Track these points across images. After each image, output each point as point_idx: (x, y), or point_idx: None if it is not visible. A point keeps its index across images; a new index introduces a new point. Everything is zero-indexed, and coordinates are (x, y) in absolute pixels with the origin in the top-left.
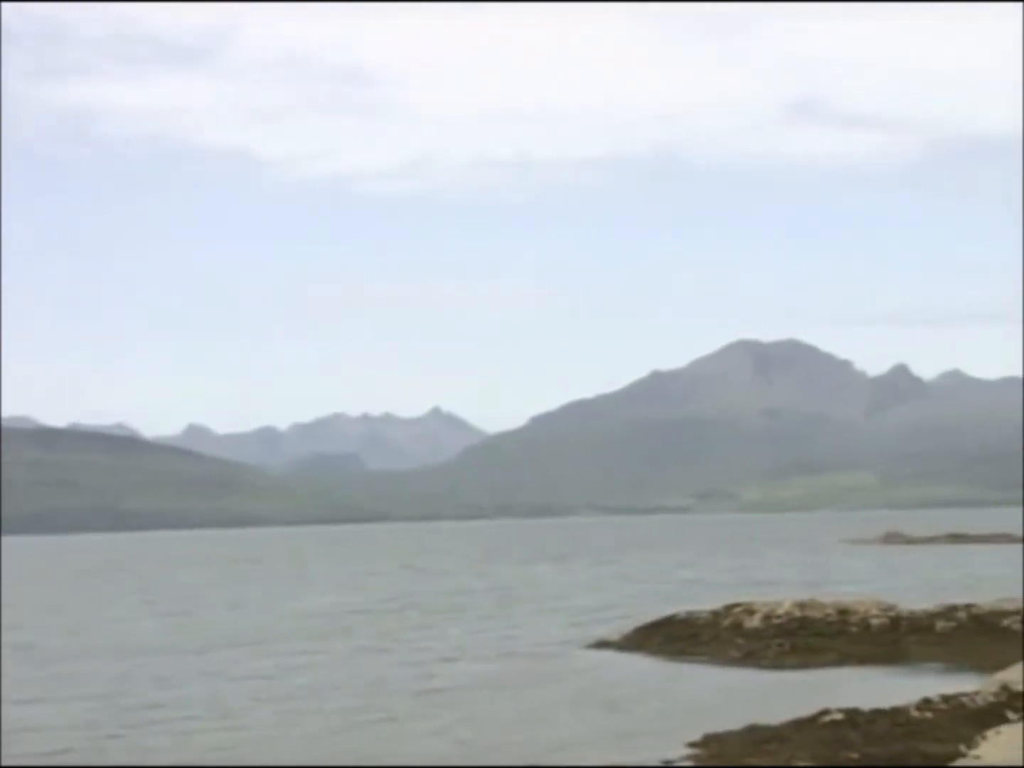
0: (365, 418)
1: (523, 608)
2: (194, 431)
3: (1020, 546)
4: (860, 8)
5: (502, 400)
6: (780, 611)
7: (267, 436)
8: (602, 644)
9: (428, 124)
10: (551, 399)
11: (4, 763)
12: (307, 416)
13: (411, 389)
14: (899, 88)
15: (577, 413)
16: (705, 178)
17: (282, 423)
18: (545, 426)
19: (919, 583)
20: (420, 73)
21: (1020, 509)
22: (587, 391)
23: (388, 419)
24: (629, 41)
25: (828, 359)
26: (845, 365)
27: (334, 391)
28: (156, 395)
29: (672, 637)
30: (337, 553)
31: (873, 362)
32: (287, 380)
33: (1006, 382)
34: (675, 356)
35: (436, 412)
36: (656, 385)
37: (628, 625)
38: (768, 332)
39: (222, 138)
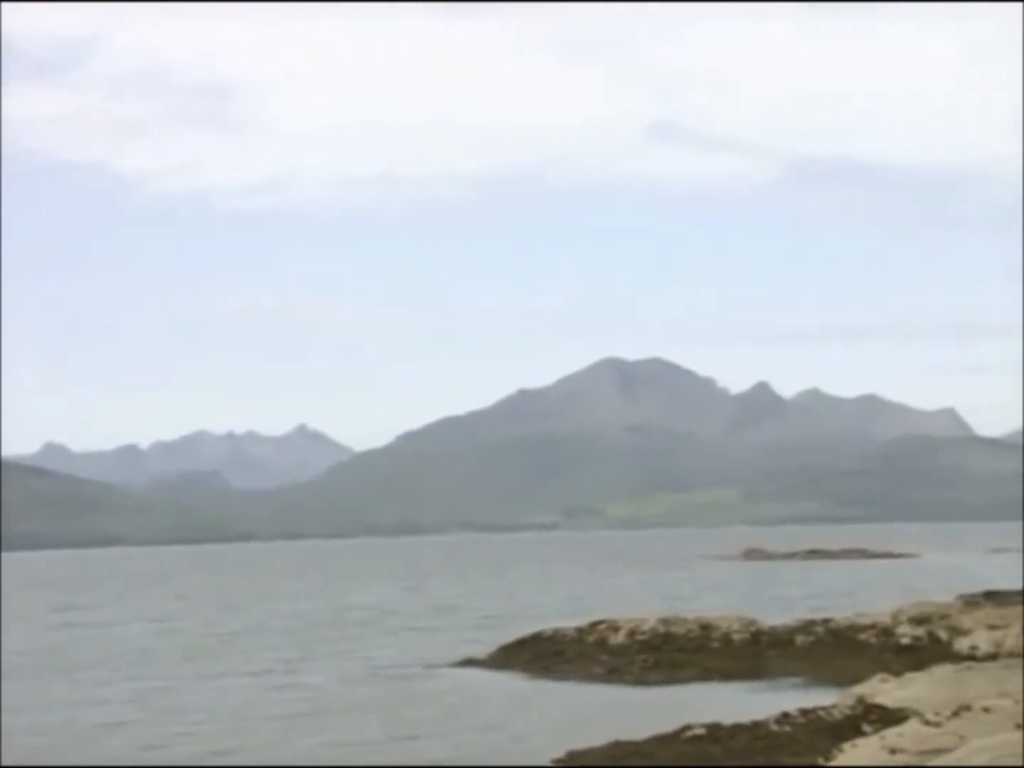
0: (229, 436)
1: (389, 627)
2: (51, 449)
3: (874, 561)
4: (721, 31)
5: (369, 418)
6: (644, 627)
7: (128, 454)
8: (468, 662)
9: (292, 139)
10: (418, 417)
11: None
12: (169, 434)
13: (276, 406)
14: (759, 111)
15: (445, 430)
16: (570, 197)
17: (144, 441)
18: (412, 443)
19: (779, 598)
20: (284, 87)
21: (874, 525)
22: (455, 409)
23: (252, 436)
24: (496, 59)
25: (692, 377)
26: (708, 383)
27: (197, 408)
28: (11, 412)
29: (538, 654)
30: (199, 573)
31: (735, 380)
32: (148, 397)
33: (862, 400)
34: (542, 374)
35: (302, 429)
36: (523, 403)
37: (494, 643)
38: (633, 350)
39: (79, 152)
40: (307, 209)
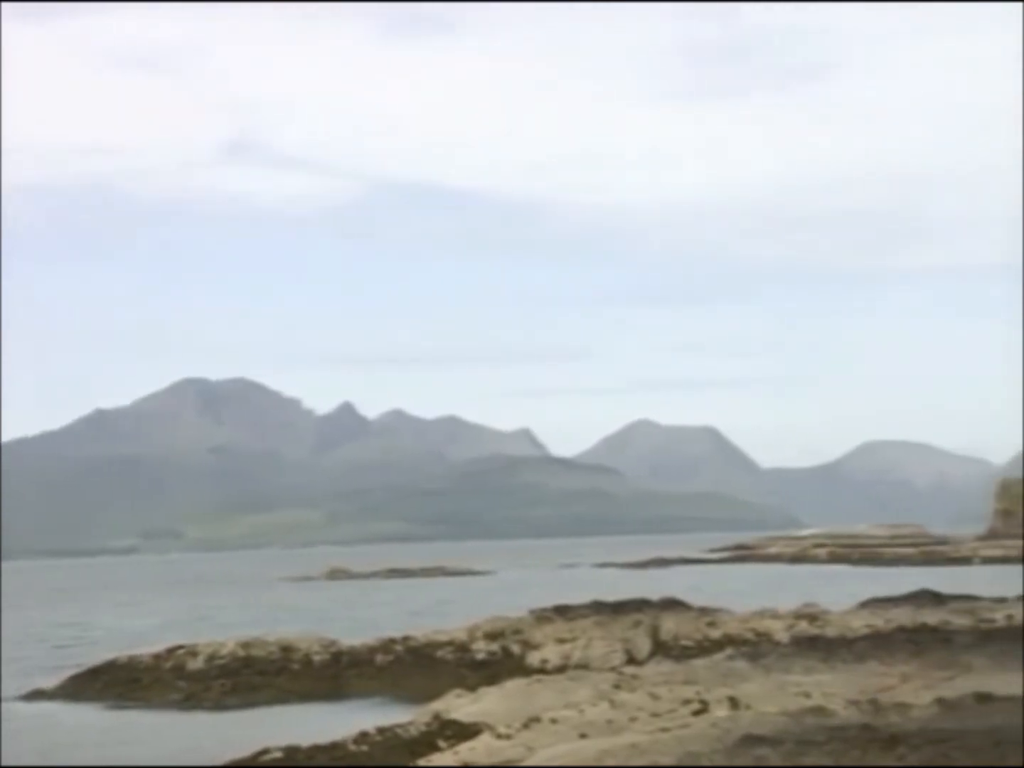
0: None
1: None
2: None
3: (453, 579)
4: (297, 52)
5: None
6: (224, 651)
7: None
8: (37, 695)
9: None
10: None
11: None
12: None
13: None
14: (339, 133)
15: (14, 452)
16: (145, 215)
17: None
18: None
19: (361, 618)
20: None
21: (456, 543)
22: (26, 429)
23: None
24: (67, 71)
25: (276, 397)
26: (293, 404)
27: None
28: None
29: (112, 683)
30: None
31: (321, 401)
32: None
33: (443, 421)
34: (120, 394)
35: None
36: (100, 423)
37: (65, 673)
38: (216, 370)
39: None
40: None
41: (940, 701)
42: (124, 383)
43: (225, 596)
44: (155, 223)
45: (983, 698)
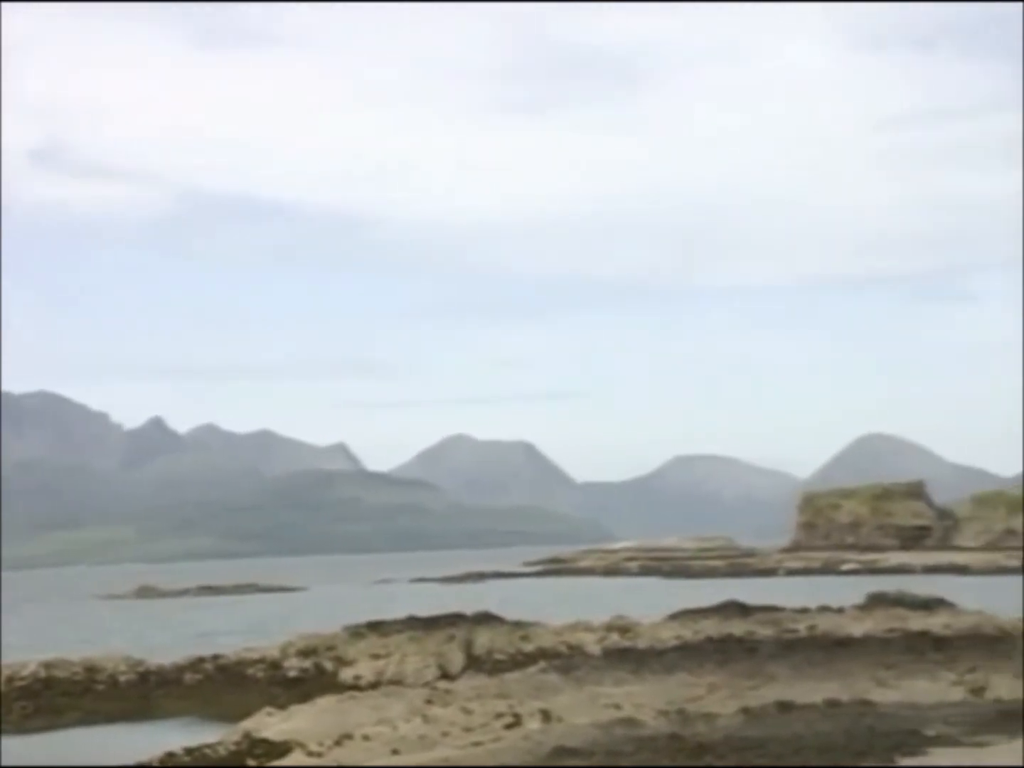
0: None
1: None
2: None
3: (266, 595)
4: (106, 57)
5: None
6: (24, 672)
7: None
8: None
9: None
10: None
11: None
12: None
13: None
14: (151, 142)
15: None
16: None
17: None
18: None
19: (171, 636)
20: None
21: (271, 559)
22: None
23: None
24: None
25: (83, 411)
26: (101, 417)
27: None
28: None
29: None
30: None
31: (129, 415)
32: None
33: (256, 435)
34: None
35: None
36: None
37: None
38: (17, 383)
39: None
40: None
41: (745, 710)
42: None
43: (28, 616)
44: None
45: (785, 706)
